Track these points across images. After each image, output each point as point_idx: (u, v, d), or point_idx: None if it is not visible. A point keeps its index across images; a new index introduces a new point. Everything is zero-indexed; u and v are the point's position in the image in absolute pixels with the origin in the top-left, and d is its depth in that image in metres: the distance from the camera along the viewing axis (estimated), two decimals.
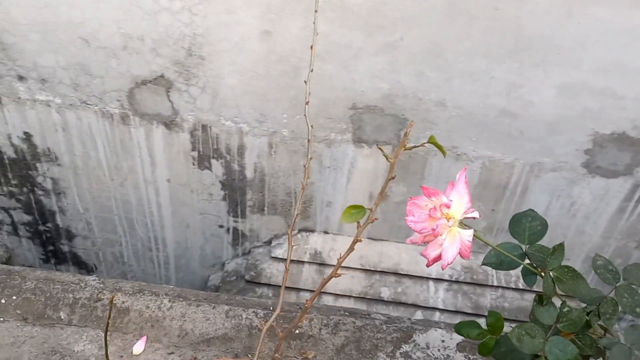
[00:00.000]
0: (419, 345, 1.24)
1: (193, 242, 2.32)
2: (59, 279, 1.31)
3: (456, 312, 2.12)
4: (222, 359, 0.92)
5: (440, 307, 2.11)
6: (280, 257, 2.23)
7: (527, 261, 0.63)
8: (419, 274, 2.15)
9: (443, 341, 1.24)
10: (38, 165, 2.10)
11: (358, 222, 0.59)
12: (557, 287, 0.59)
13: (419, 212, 0.60)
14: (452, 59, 1.69)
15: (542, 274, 0.60)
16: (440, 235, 0.58)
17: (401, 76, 1.76)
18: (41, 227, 2.31)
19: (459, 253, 0.60)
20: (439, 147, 0.58)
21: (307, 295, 2.20)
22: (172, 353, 1.19)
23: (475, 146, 1.88)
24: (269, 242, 2.27)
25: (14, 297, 1.29)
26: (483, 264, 0.66)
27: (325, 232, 2.23)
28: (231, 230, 2.26)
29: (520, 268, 0.63)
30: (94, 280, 1.31)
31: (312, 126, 0.69)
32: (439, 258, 0.60)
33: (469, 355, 1.24)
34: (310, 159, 0.69)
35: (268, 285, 2.22)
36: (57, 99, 1.90)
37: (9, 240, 2.38)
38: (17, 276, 1.32)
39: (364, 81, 1.78)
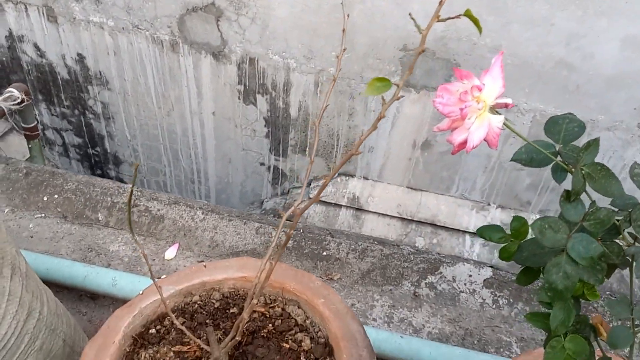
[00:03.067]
0: (445, 277, 1.22)
1: (234, 178, 2.35)
2: (99, 183, 1.36)
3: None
4: (242, 258, 0.93)
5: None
6: (320, 199, 2.23)
7: (559, 159, 0.60)
8: (456, 227, 2.11)
9: (470, 276, 1.22)
10: (89, 88, 2.15)
11: (383, 98, 0.58)
12: (587, 184, 0.56)
13: (448, 96, 0.58)
14: (512, 2, 1.62)
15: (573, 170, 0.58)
16: (468, 118, 0.56)
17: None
18: (90, 151, 2.39)
19: (487, 140, 0.57)
20: (475, 22, 0.55)
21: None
22: (202, 262, 1.22)
23: (528, 98, 1.81)
24: (308, 184, 2.28)
25: (56, 196, 1.34)
26: (512, 159, 0.63)
27: (365, 178, 2.22)
28: (272, 169, 2.27)
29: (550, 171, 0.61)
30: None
31: (345, 48, 0.67)
32: (464, 144, 0.58)
33: (496, 292, 1.21)
34: (335, 79, 0.68)
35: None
36: (110, 21, 1.93)
37: (60, 161, 2.47)
38: (60, 177, 1.37)
39: (417, 21, 1.73)
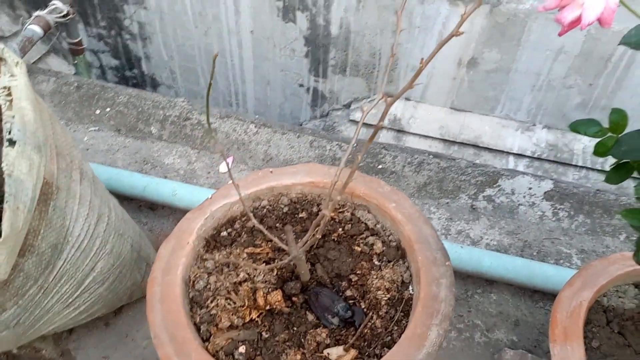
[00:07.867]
0: (503, 190, 1.20)
1: (272, 100, 2.32)
2: (150, 97, 1.34)
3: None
4: (310, 164, 0.92)
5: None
6: (359, 120, 2.20)
7: None
8: (500, 148, 2.08)
9: (530, 188, 1.20)
10: (125, 7, 2.10)
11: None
12: None
13: None
14: None
15: None
16: None
17: None
18: (128, 73, 2.37)
19: (601, 19, 0.53)
20: None
21: None
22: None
23: None
24: (348, 105, 2.24)
25: (108, 109, 1.33)
26: (621, 43, 0.59)
27: (407, 99, 2.17)
28: (311, 90, 2.23)
29: None
30: (183, 101, 1.33)
31: None
32: (575, 22, 0.54)
33: (556, 205, 1.19)
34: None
35: None
36: None
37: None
38: (111, 90, 1.36)
39: None
